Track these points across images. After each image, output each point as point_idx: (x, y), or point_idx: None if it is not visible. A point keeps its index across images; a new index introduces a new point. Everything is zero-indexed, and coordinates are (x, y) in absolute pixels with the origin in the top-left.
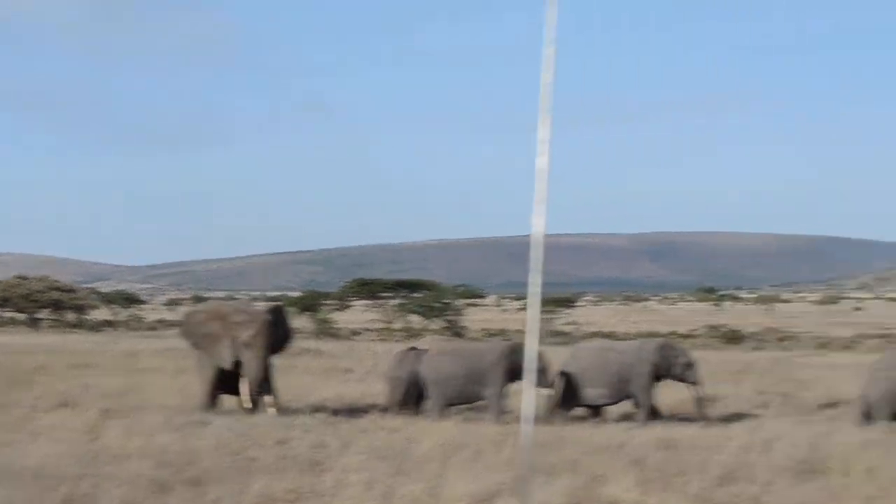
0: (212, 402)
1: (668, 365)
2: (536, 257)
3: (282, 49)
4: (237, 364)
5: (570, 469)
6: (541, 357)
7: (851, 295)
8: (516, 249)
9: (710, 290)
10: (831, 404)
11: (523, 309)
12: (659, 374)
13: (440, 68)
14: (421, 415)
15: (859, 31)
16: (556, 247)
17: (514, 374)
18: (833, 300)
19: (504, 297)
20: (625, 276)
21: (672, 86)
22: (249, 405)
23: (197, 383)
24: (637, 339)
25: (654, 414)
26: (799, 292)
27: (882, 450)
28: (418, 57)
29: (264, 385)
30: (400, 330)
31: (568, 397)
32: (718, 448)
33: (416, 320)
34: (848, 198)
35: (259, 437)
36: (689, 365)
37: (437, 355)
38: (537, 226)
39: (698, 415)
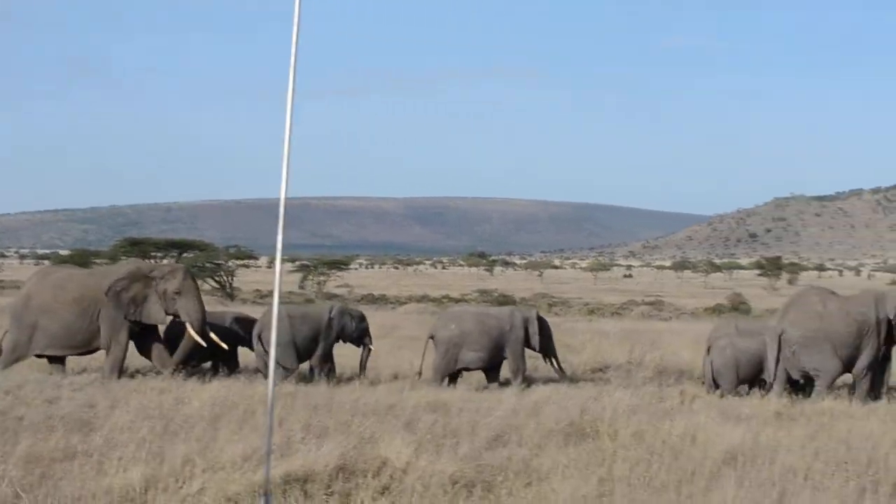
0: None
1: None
2: (281, 219)
3: (54, 8)
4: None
5: (342, 431)
6: (364, 316)
7: (621, 262)
8: (287, 212)
9: (482, 256)
10: (600, 369)
11: (295, 270)
12: (527, 342)
13: (213, 32)
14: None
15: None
16: (330, 210)
17: (342, 335)
18: (603, 267)
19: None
20: (396, 240)
21: (446, 57)
22: (204, 343)
23: (113, 349)
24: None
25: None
26: (569, 259)
27: (649, 414)
28: (194, 21)
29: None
30: None
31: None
32: (488, 411)
33: None
34: (617, 167)
35: (27, 396)
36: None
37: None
38: (282, 189)
39: (561, 377)
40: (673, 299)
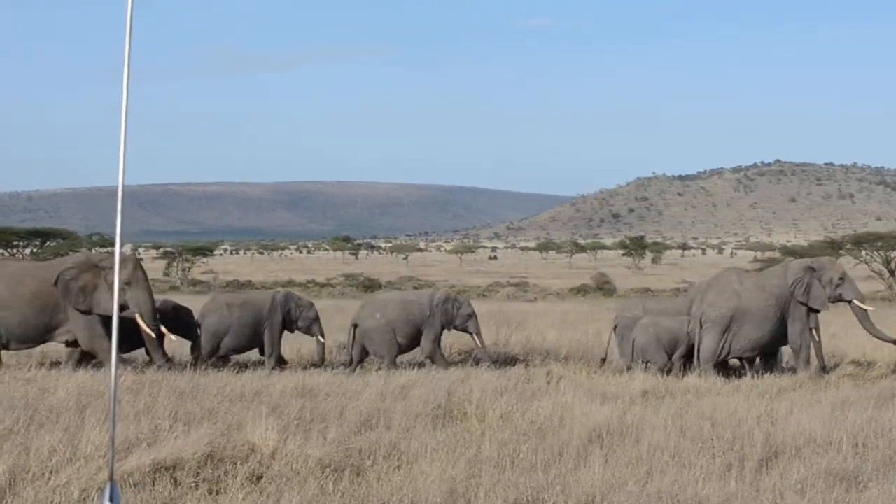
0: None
1: (452, 316)
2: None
3: None
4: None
5: (209, 417)
6: (312, 305)
7: (486, 244)
8: (149, 198)
9: (347, 240)
10: (469, 351)
11: (160, 257)
12: (446, 325)
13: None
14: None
15: None
16: (194, 196)
17: (287, 323)
18: (468, 249)
19: (140, 246)
20: (261, 225)
21: (307, 36)
22: (154, 334)
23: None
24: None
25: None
26: (434, 242)
27: (516, 395)
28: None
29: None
30: None
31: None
32: (355, 395)
33: None
34: (480, 149)
35: None
36: (471, 316)
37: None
38: (120, 173)
39: (485, 359)
40: (538, 280)
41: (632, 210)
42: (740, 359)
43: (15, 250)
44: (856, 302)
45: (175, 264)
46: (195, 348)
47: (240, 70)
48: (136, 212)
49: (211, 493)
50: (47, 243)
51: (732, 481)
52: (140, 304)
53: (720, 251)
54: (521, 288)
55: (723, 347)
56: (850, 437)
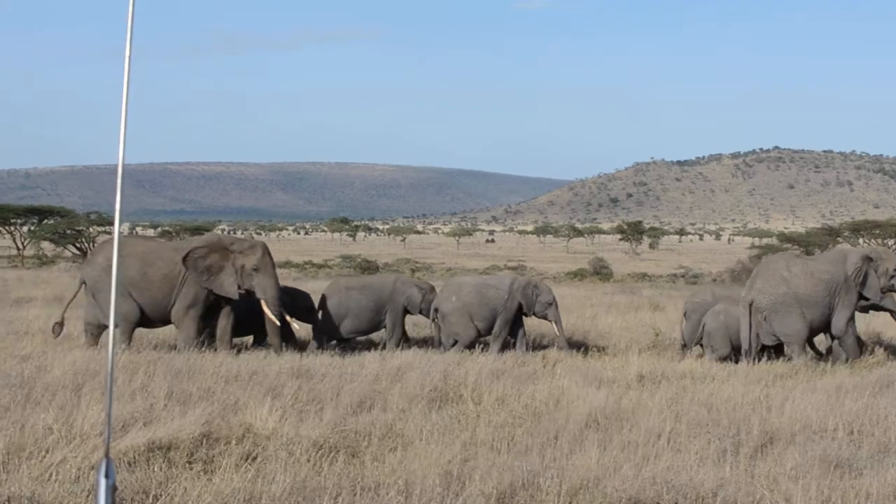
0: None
1: (532, 303)
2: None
3: None
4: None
5: (205, 398)
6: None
7: (483, 227)
8: (147, 177)
9: (345, 221)
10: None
11: (157, 237)
12: (525, 311)
13: None
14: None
15: None
16: (192, 175)
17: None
18: (466, 232)
19: (137, 225)
20: (259, 206)
21: (306, 16)
22: (278, 321)
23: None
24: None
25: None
26: (432, 224)
27: (512, 379)
28: None
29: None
30: (31, 257)
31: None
32: (352, 377)
33: (48, 247)
34: (479, 132)
35: None
36: (550, 303)
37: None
38: (120, 152)
39: (564, 347)
40: (535, 264)
41: (630, 195)
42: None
43: (12, 227)
44: None
45: None
46: (316, 332)
47: (240, 50)
48: (134, 190)
49: (206, 473)
50: (45, 221)
51: (727, 467)
52: (266, 290)
53: (718, 237)
54: (518, 271)
55: (770, 334)
56: (845, 424)
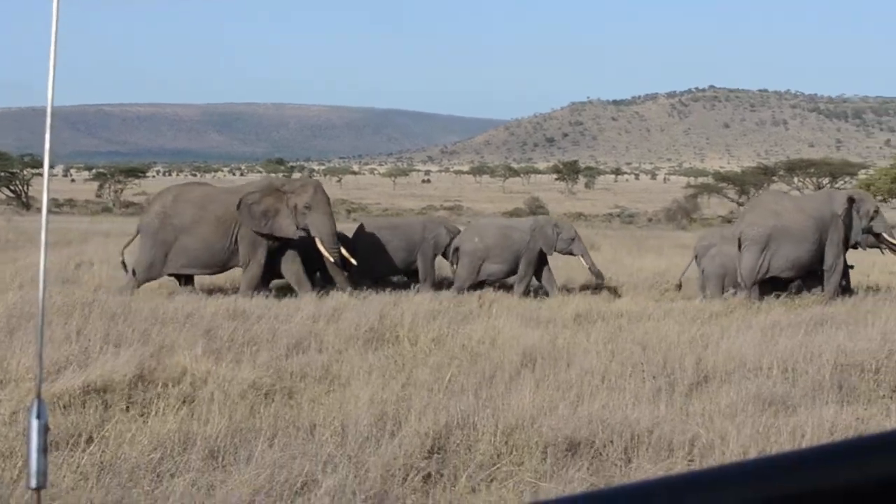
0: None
1: (553, 241)
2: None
3: None
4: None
5: (140, 340)
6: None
7: (419, 168)
8: (81, 119)
9: (280, 162)
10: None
11: (92, 179)
12: (547, 249)
13: None
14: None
15: None
16: (126, 116)
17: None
18: (402, 172)
19: (72, 167)
20: (193, 147)
21: None
22: (332, 259)
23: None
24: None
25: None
26: (368, 165)
27: (448, 319)
28: None
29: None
30: None
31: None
32: (287, 318)
33: None
34: (414, 72)
35: None
36: (573, 239)
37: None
38: (49, 92)
39: (598, 281)
40: (471, 204)
41: (566, 135)
42: (781, 279)
43: None
44: (884, 235)
45: (107, 186)
46: (350, 273)
47: None
48: (69, 132)
49: (142, 416)
50: None
51: (662, 405)
52: (320, 227)
53: (653, 177)
54: (454, 211)
55: (762, 265)
56: (779, 362)
